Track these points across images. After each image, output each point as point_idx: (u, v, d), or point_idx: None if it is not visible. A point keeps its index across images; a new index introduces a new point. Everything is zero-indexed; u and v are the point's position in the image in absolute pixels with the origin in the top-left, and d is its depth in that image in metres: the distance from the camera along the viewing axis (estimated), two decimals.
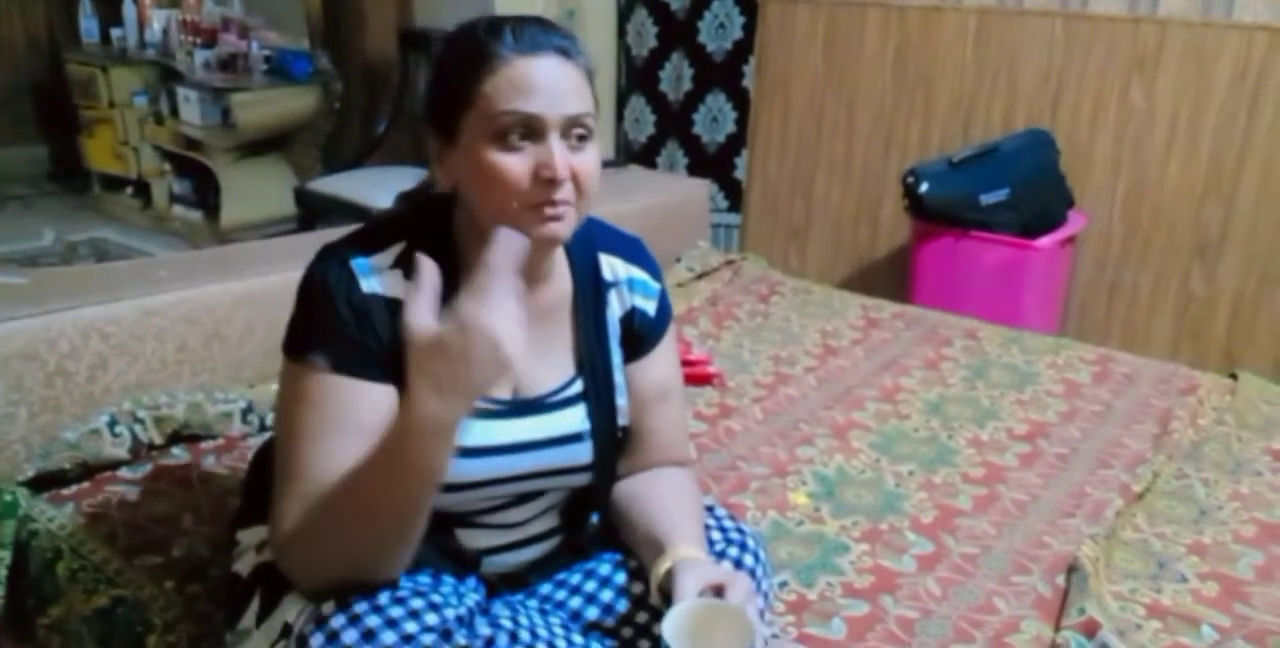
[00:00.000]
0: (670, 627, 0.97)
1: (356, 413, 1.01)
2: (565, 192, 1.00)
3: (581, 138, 1.02)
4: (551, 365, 1.15)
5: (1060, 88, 2.96)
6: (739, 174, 3.57)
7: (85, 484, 1.49)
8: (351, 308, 1.01)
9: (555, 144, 0.99)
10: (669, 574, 1.05)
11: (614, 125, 3.69)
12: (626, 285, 1.19)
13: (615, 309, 1.19)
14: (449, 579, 1.11)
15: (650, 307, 1.21)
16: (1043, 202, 2.80)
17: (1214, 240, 2.82)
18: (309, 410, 1.01)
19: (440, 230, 1.08)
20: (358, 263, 1.03)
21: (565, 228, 1.02)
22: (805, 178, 3.48)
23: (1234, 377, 2.14)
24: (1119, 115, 2.89)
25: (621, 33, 3.65)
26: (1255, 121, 2.70)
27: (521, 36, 1.01)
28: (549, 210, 1.00)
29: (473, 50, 1.01)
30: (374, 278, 1.03)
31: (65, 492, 1.47)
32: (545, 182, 0.99)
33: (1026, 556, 1.47)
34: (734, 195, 3.61)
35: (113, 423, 1.54)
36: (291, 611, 1.02)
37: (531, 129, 0.99)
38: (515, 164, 0.99)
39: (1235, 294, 2.82)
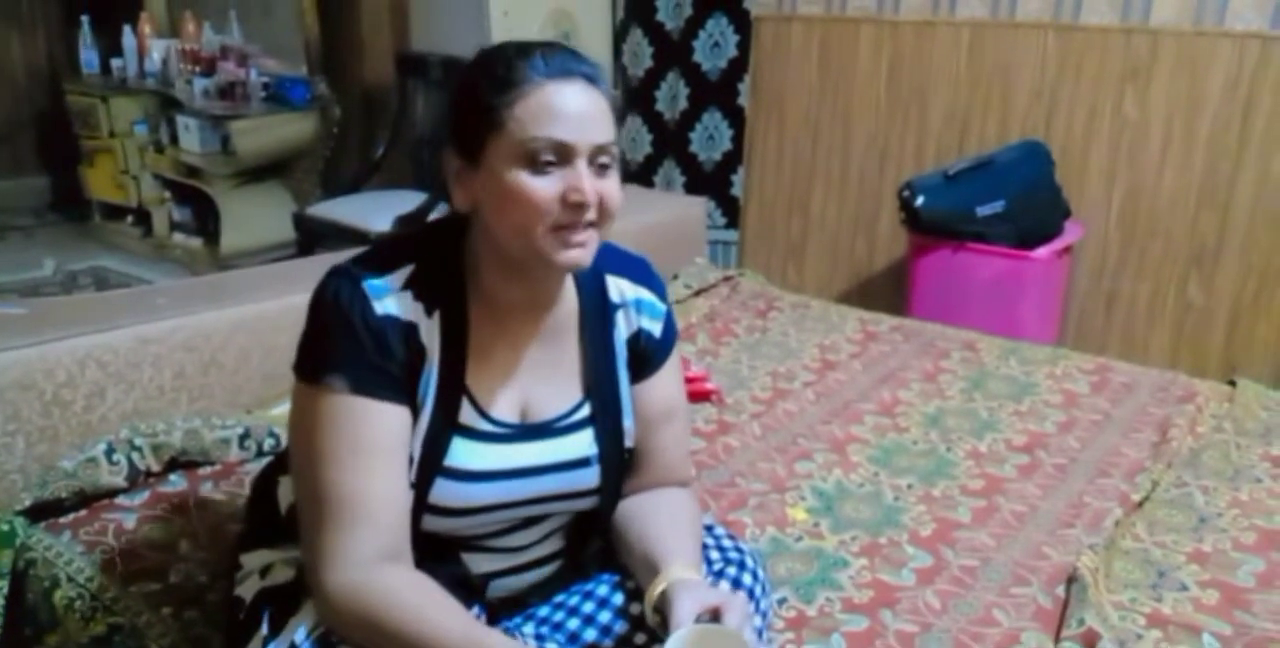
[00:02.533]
0: None
1: (379, 434, 1.02)
2: (590, 215, 1.01)
3: (605, 166, 1.03)
4: (559, 389, 1.15)
5: (1054, 99, 2.97)
6: (736, 191, 3.59)
7: (82, 512, 1.49)
8: (368, 329, 1.02)
9: (584, 169, 1.00)
10: (664, 596, 1.05)
11: None
12: (634, 307, 1.20)
13: (622, 330, 1.19)
14: None
15: (656, 328, 1.21)
16: (1039, 213, 2.81)
17: (1210, 248, 2.82)
18: (331, 434, 1.01)
19: (450, 253, 1.09)
20: (370, 284, 1.04)
21: (586, 254, 1.03)
22: (802, 193, 3.49)
23: (1232, 384, 2.13)
24: (1113, 125, 2.90)
25: (617, 53, 3.67)
26: (1249, 129, 2.71)
27: (552, 62, 1.02)
28: (573, 236, 1.01)
29: (502, 73, 1.02)
30: (387, 299, 1.04)
31: (62, 520, 1.47)
32: (573, 206, 1.00)
33: (1026, 567, 1.47)
34: (731, 212, 3.62)
35: (110, 451, 1.54)
36: (299, 633, 1.02)
37: (560, 154, 1.00)
38: (543, 187, 1.00)
39: (1233, 302, 2.82)
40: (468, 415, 1.08)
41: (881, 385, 2.11)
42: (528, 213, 1.00)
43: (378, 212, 3.07)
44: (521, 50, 1.03)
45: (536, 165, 1.00)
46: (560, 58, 1.03)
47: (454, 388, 1.07)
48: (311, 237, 3.45)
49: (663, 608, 1.05)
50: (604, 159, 1.03)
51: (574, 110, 1.00)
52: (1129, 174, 2.90)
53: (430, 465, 1.06)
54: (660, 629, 1.05)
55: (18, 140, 4.91)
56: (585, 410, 1.16)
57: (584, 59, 1.05)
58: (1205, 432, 1.91)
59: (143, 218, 4.45)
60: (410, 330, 1.05)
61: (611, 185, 1.03)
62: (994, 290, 2.74)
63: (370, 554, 1.00)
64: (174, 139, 4.13)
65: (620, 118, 1.10)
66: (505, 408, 1.11)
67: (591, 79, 1.04)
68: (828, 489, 1.68)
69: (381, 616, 0.97)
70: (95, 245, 4.47)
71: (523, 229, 1.01)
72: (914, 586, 1.42)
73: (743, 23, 3.42)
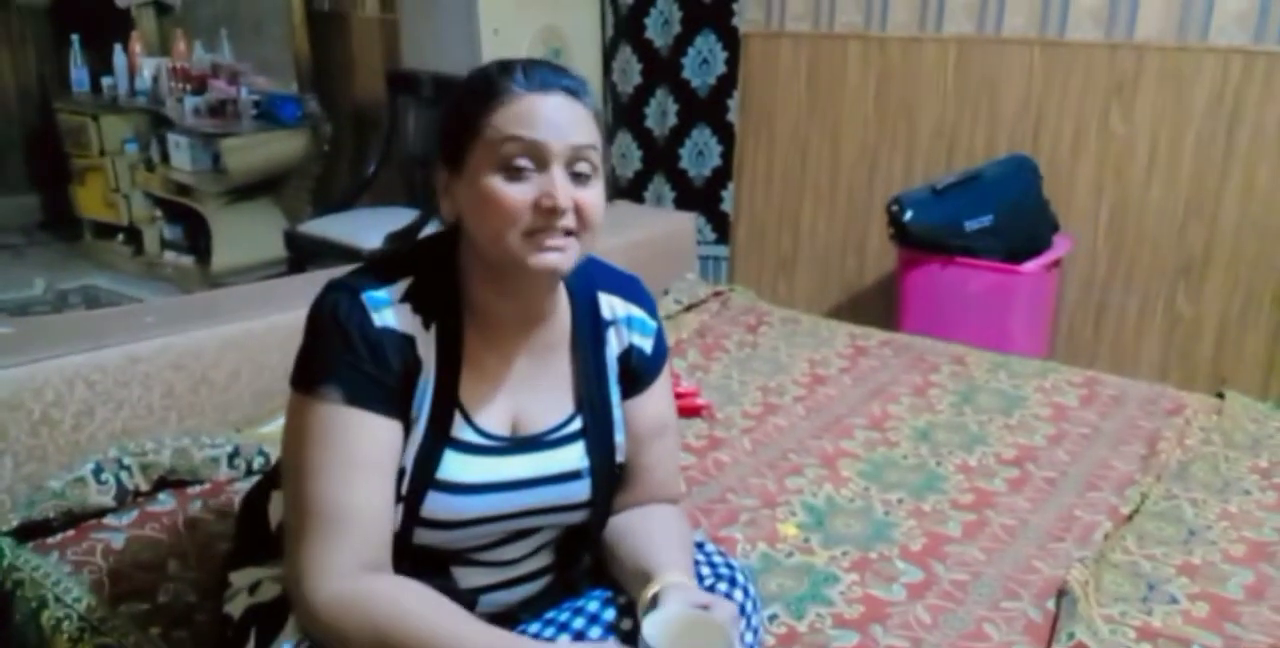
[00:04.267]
0: (650, 630, 0.98)
1: (370, 448, 1.02)
2: (566, 221, 1.02)
3: (585, 174, 1.04)
4: (551, 403, 1.15)
5: (1040, 114, 2.99)
6: (726, 207, 3.60)
7: (70, 532, 1.48)
8: (366, 341, 1.02)
9: (558, 174, 1.01)
10: (656, 599, 1.05)
11: None
12: (625, 323, 1.20)
13: (614, 347, 1.20)
14: None
15: (647, 345, 1.22)
16: (1027, 227, 2.82)
17: (1198, 261, 2.84)
18: (323, 445, 1.01)
19: (445, 266, 1.10)
20: (369, 296, 1.04)
21: (565, 260, 1.03)
22: (791, 209, 3.50)
23: (1220, 396, 2.14)
24: (1100, 140, 2.92)
25: (607, 70, 3.69)
26: (1234, 143, 2.73)
27: (532, 75, 1.04)
28: (547, 240, 1.01)
29: (484, 85, 1.04)
30: (386, 311, 1.04)
31: (50, 541, 1.46)
32: (546, 210, 1.00)
33: (1016, 581, 1.47)
34: (721, 228, 3.63)
35: (98, 471, 1.53)
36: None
37: (535, 157, 1.01)
38: (517, 192, 1.01)
39: (1221, 314, 2.84)
40: (459, 428, 1.09)
41: (871, 400, 2.11)
42: (501, 217, 1.01)
43: (369, 229, 3.07)
44: (505, 66, 1.06)
45: (511, 170, 1.01)
46: (542, 72, 1.05)
47: (447, 401, 1.08)
48: (303, 254, 3.45)
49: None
50: (582, 166, 1.03)
51: (550, 115, 1.02)
52: (1116, 187, 2.92)
53: (422, 478, 1.06)
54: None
55: (8, 159, 4.91)
56: (577, 424, 1.16)
57: (567, 73, 1.07)
58: (1194, 444, 1.91)
59: (134, 236, 4.45)
60: (408, 343, 1.05)
61: (591, 194, 1.04)
62: (983, 304, 2.75)
63: (354, 565, 1.00)
64: (165, 157, 4.14)
65: (607, 131, 1.10)
66: (496, 421, 1.12)
67: (574, 92, 1.05)
68: (818, 504, 1.68)
69: (368, 622, 0.97)
70: (86, 264, 4.47)
71: (497, 234, 1.02)
72: (905, 601, 1.42)
73: (731, 40, 3.44)
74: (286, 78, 4.18)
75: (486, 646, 0.97)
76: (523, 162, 1.01)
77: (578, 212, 1.02)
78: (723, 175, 3.58)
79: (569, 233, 1.03)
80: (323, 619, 0.98)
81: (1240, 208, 2.76)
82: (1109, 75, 2.86)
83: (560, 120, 1.02)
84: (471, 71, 1.09)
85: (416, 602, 1.00)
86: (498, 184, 1.01)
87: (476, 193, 1.02)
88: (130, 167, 4.31)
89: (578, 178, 1.03)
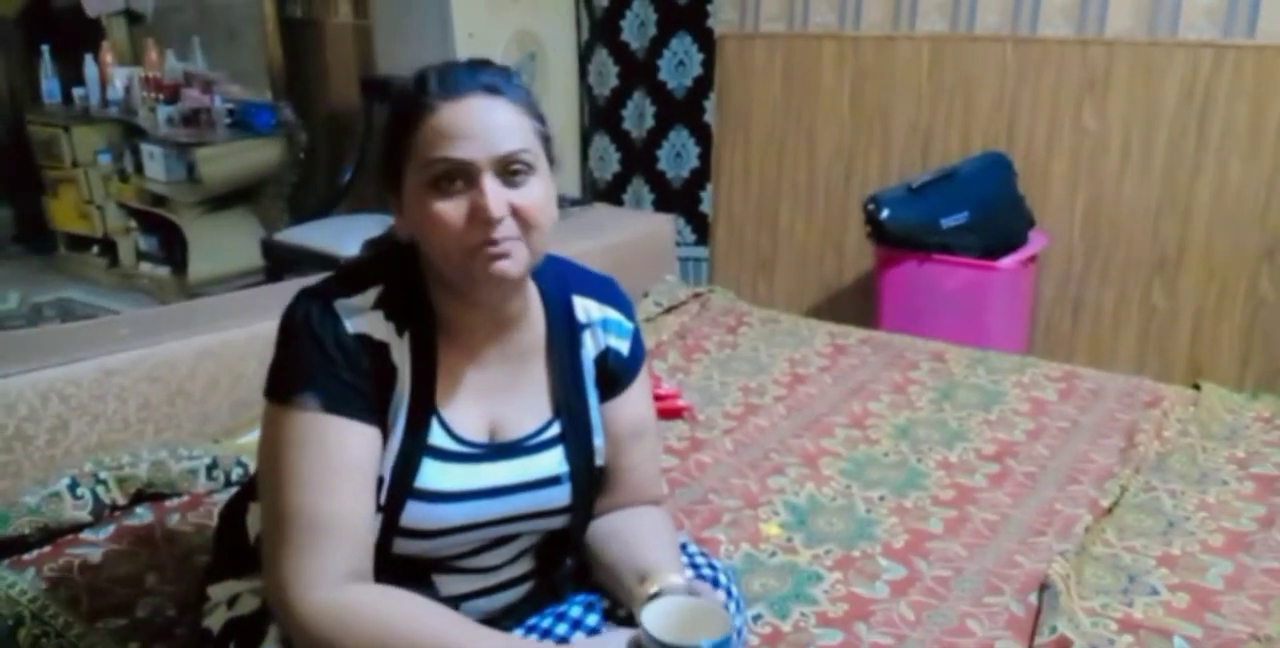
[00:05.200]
0: (649, 619, 1.00)
1: (350, 454, 1.01)
2: (505, 229, 1.01)
3: (519, 173, 1.02)
4: (528, 409, 1.15)
5: (1014, 111, 3.01)
6: (705, 208, 3.60)
7: (46, 548, 1.46)
8: (340, 348, 1.02)
9: (489, 185, 1.00)
10: (654, 597, 1.06)
11: (579, 164, 3.72)
12: (600, 326, 1.20)
13: (590, 350, 1.19)
14: None
15: (624, 346, 1.21)
16: (1003, 223, 2.83)
17: (1172, 254, 2.86)
18: (302, 454, 1.00)
19: (414, 272, 1.09)
20: (341, 304, 1.04)
21: (514, 265, 1.02)
22: (769, 209, 3.51)
23: (1197, 387, 2.16)
24: (1073, 135, 2.93)
25: (583, 73, 3.69)
26: (1205, 137, 2.75)
27: (445, 82, 1.02)
28: (491, 249, 1.00)
29: (404, 104, 1.03)
30: (358, 318, 1.04)
31: (26, 557, 1.44)
32: (481, 222, 0.99)
33: (998, 576, 1.47)
34: (700, 229, 3.63)
35: (74, 485, 1.52)
36: None
37: (464, 173, 1.00)
38: (451, 209, 1.00)
39: (1197, 306, 2.86)
40: (437, 436, 1.08)
41: (851, 398, 2.11)
42: (442, 237, 1.01)
43: (346, 236, 3.05)
44: (419, 76, 1.04)
45: (440, 189, 1.00)
46: (455, 75, 1.03)
47: (424, 408, 1.07)
48: (280, 263, 3.43)
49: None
50: (517, 166, 1.02)
51: (468, 127, 1.00)
52: (1090, 183, 2.94)
53: (400, 487, 1.06)
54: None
55: None
56: (555, 429, 1.16)
57: (484, 69, 1.05)
58: (1171, 436, 1.92)
59: (108, 248, 4.41)
60: (382, 350, 1.05)
61: (529, 193, 1.02)
62: (961, 301, 2.76)
63: (339, 573, 0.99)
64: (139, 168, 4.10)
65: (539, 116, 1.06)
66: (473, 428, 1.11)
67: (492, 89, 1.03)
68: (800, 504, 1.68)
69: (363, 630, 0.97)
70: (61, 277, 4.42)
71: (444, 251, 1.02)
72: (888, 598, 1.42)
73: (707, 41, 3.44)
74: (260, 86, 4.15)
75: (431, 635, 0.97)
76: (452, 179, 1.00)
77: (518, 215, 1.01)
78: (701, 176, 3.58)
79: (515, 237, 1.02)
80: (311, 629, 0.97)
81: (1213, 201, 2.78)
82: (1081, 71, 2.88)
83: (480, 129, 1.00)
84: (396, 87, 1.07)
85: (417, 608, 1.00)
86: (431, 203, 1.00)
87: (416, 213, 1.02)
88: (104, 178, 4.27)
89: (513, 177, 1.02)
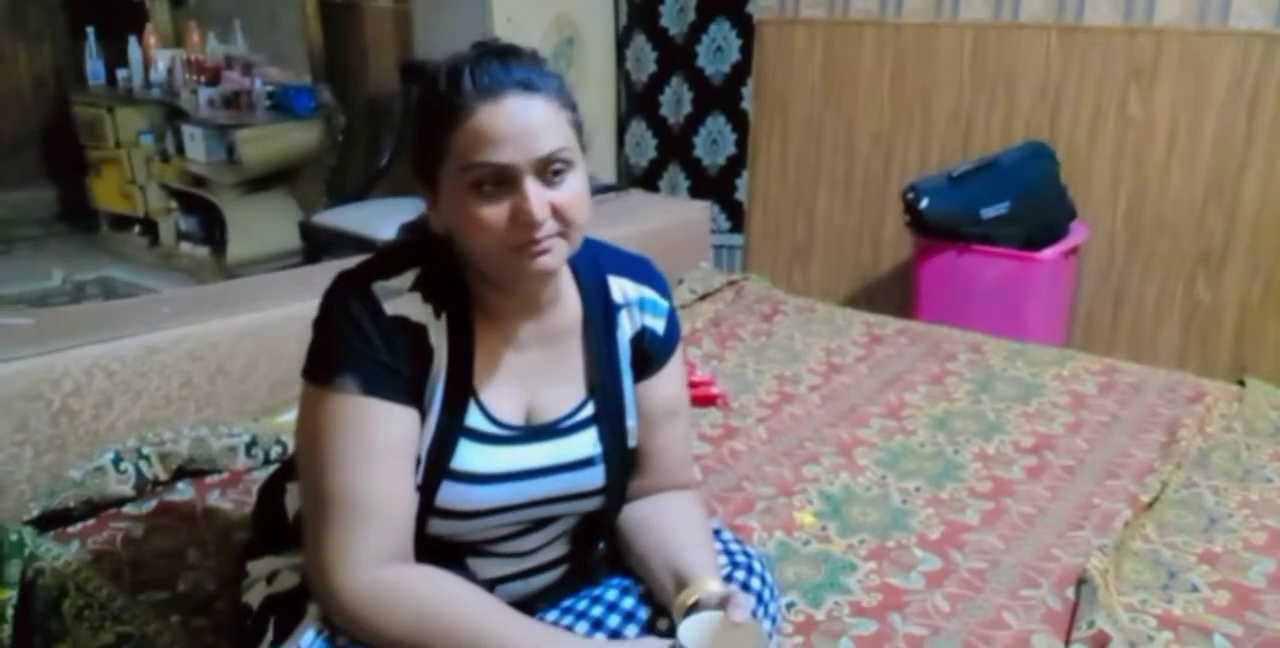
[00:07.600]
0: (686, 633, 0.99)
1: (389, 436, 1.02)
2: (547, 229, 1.00)
3: (559, 171, 1.01)
4: (563, 390, 1.15)
5: (1058, 100, 2.96)
6: (740, 195, 3.58)
7: (90, 522, 1.49)
8: (379, 330, 1.02)
9: (530, 189, 0.99)
10: (697, 606, 1.05)
11: (615, 150, 3.71)
12: (637, 305, 1.20)
13: (626, 330, 1.19)
14: None
15: (660, 325, 1.21)
16: (1044, 213, 2.80)
17: (1218, 247, 2.82)
18: (342, 436, 1.01)
19: (450, 255, 1.09)
20: (380, 286, 1.04)
21: (554, 259, 1.03)
22: (806, 197, 3.48)
23: (1241, 383, 2.12)
24: (1118, 125, 2.89)
25: (621, 59, 3.68)
26: (1255, 128, 2.70)
27: (480, 79, 1.00)
28: (534, 248, 1.01)
29: (438, 103, 1.01)
30: (395, 300, 1.04)
31: (70, 530, 1.47)
32: (524, 225, 0.99)
33: (1035, 569, 1.46)
34: (736, 216, 3.62)
35: (117, 460, 1.54)
36: (305, 638, 1.01)
37: (505, 177, 0.99)
38: (492, 212, 1.00)
39: (1241, 300, 2.81)
40: (473, 417, 1.09)
41: (888, 388, 2.10)
42: (483, 238, 1.00)
43: (383, 219, 3.07)
44: (451, 73, 1.01)
45: (481, 192, 1.00)
46: (489, 71, 1.00)
47: (461, 390, 1.08)
48: (318, 245, 3.46)
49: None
50: (556, 166, 1.01)
51: (509, 130, 0.98)
52: (1134, 174, 2.89)
53: (436, 468, 1.06)
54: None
55: (24, 151, 4.93)
56: (589, 410, 1.16)
57: (518, 63, 1.02)
58: (1214, 432, 1.90)
59: (149, 228, 4.47)
60: (420, 332, 1.05)
61: (568, 191, 1.01)
62: (1000, 292, 2.74)
63: (381, 554, 1.00)
64: (180, 149, 4.15)
65: (572, 105, 1.04)
66: (510, 410, 1.12)
67: (528, 85, 1.01)
68: (835, 493, 1.67)
69: (404, 611, 0.98)
70: (103, 256, 4.49)
71: (484, 249, 1.02)
72: (923, 589, 1.41)
73: (745, 27, 3.42)
74: (300, 69, 4.18)
75: (536, 645, 0.98)
76: (492, 182, 0.99)
77: (558, 213, 1.01)
78: (737, 164, 3.56)
79: (557, 234, 1.02)
80: (354, 611, 0.98)
81: (1260, 193, 2.73)
82: (1127, 60, 2.83)
83: (519, 131, 0.99)
84: (425, 80, 1.04)
85: (459, 589, 1.01)
86: (473, 206, 1.00)
87: (456, 212, 1.02)
88: (146, 158, 4.33)
89: (553, 176, 1.01)
